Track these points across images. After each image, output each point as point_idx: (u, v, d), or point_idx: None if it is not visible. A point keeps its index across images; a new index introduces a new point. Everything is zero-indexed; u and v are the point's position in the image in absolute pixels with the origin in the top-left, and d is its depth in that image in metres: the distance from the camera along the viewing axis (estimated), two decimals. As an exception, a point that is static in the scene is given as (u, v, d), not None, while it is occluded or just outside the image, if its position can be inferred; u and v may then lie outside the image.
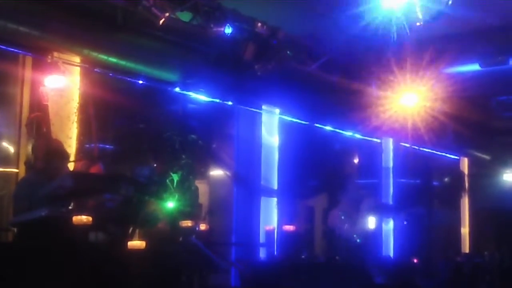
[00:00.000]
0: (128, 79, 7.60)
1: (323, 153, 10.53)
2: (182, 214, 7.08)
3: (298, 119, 9.94)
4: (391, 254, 11.26)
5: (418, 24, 6.26)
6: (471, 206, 13.51)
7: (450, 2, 6.15)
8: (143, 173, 7.20)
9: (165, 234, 6.92)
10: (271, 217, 9.24)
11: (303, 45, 8.96)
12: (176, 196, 7.21)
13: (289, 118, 9.79)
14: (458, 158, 13.62)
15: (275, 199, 9.32)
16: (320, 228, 11.07)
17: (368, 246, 9.73)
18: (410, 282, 9.01)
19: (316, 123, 10.30)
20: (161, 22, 7.01)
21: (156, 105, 8.11)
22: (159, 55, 7.69)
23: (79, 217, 5.60)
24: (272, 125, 9.45)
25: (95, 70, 7.25)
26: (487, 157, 13.68)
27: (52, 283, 5.28)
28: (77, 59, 7.08)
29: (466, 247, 13.42)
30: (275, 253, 8.96)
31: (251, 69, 8.26)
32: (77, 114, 7.01)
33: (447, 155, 13.30)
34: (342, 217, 9.22)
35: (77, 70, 7.12)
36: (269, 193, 9.29)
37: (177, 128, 7.78)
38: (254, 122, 9.24)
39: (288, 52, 8.68)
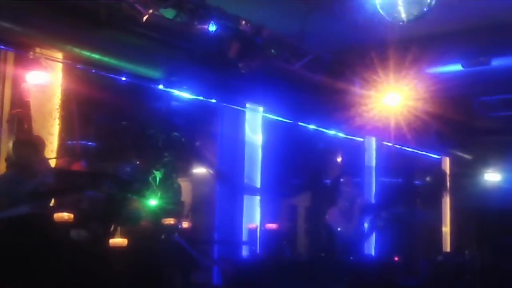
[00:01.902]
0: (111, 75, 7.55)
1: (306, 151, 10.55)
2: (165, 212, 7.07)
3: (281, 117, 9.95)
4: (373, 252, 11.31)
5: (401, 24, 6.28)
6: (452, 206, 13.60)
7: (433, 3, 6.18)
8: (126, 170, 7.19)
9: (147, 232, 6.91)
10: (254, 215, 9.24)
11: (288, 43, 8.98)
12: (159, 194, 7.21)
13: (273, 117, 9.80)
14: (440, 157, 13.70)
15: (258, 197, 9.32)
16: (303, 226, 11.10)
17: (349, 244, 9.77)
18: (391, 281, 9.06)
19: (300, 122, 10.32)
20: (144, 19, 6.98)
21: (139, 102, 8.07)
22: (143, 52, 7.66)
23: (60, 214, 5.57)
24: (255, 123, 9.45)
25: (78, 66, 7.19)
26: (468, 156, 13.78)
27: (33, 281, 5.24)
28: (59, 55, 7.02)
29: (447, 246, 13.52)
30: (258, 251, 8.97)
31: (235, 67, 8.25)
32: (59, 110, 6.96)
33: (429, 154, 13.39)
34: (336, 217, 9.25)
35: (59, 66, 7.07)
36: (252, 191, 9.29)
37: (160, 125, 7.76)
38: (238, 120, 9.23)
39: (272, 50, 8.69)
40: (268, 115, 9.67)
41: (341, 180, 9.95)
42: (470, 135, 13.11)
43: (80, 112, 7.34)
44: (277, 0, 7.67)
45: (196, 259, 7.20)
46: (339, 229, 9.18)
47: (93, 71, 7.37)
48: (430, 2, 6.15)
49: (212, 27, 7.60)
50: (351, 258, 8.94)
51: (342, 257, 8.92)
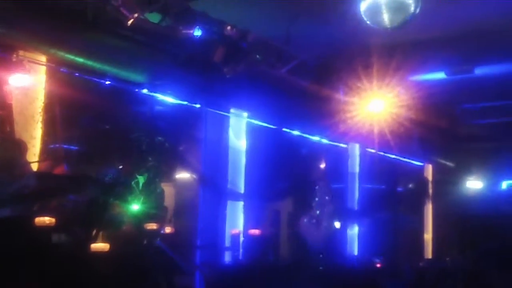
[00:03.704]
0: (95, 79, 7.51)
1: (290, 157, 10.56)
2: (147, 216, 7.04)
3: (266, 123, 9.95)
4: (356, 258, 11.35)
5: (385, 31, 6.32)
6: (434, 212, 13.69)
7: (417, 11, 6.23)
8: (109, 174, 7.14)
9: (129, 237, 6.86)
10: (237, 221, 9.23)
11: (273, 48, 8.99)
12: (142, 198, 7.17)
13: (257, 122, 9.80)
14: (422, 164, 13.79)
15: (241, 203, 9.31)
16: (286, 231, 11.10)
17: (332, 250, 9.81)
18: (374, 286, 9.09)
19: (284, 127, 10.34)
20: (129, 22, 6.95)
21: (123, 106, 8.04)
22: (127, 55, 7.62)
23: (42, 218, 5.52)
24: (240, 129, 9.44)
25: (62, 69, 7.15)
26: (451, 164, 13.89)
27: (14, 285, 5.19)
28: (43, 58, 6.97)
29: (429, 253, 13.59)
30: (240, 257, 8.95)
31: (220, 71, 8.24)
32: (42, 113, 6.91)
33: (412, 161, 13.47)
34: (312, 222, 9.28)
35: (42, 69, 7.02)
36: (236, 196, 9.28)
37: (144, 129, 7.73)
38: (222, 125, 9.22)
39: (257, 55, 8.70)
40: (252, 120, 9.67)
41: (316, 187, 10.02)
42: (452, 142, 13.21)
43: (63, 116, 7.28)
44: (263, 5, 7.67)
45: (178, 264, 7.18)
46: (308, 237, 9.23)
47: (77, 74, 7.32)
48: (414, 10, 6.21)
49: (197, 32, 7.59)
50: (321, 268, 8.98)
51: (323, 263, 8.95)
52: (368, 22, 6.41)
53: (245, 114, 9.53)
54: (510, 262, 10.84)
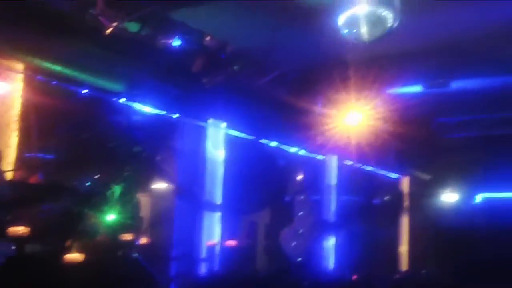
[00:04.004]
0: (73, 87, 7.46)
1: (267, 168, 10.57)
2: (123, 227, 6.99)
3: (244, 133, 9.96)
4: (332, 270, 11.36)
5: (363, 44, 6.37)
6: (410, 225, 13.77)
7: (395, 24, 6.28)
8: (84, 184, 7.08)
9: (104, 247, 6.80)
10: (213, 232, 9.18)
11: (252, 60, 9.01)
12: (117, 208, 7.12)
13: (235, 133, 9.79)
14: (399, 177, 13.89)
15: (218, 214, 9.28)
16: (262, 243, 11.08)
17: (308, 261, 9.83)
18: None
19: (262, 139, 10.35)
20: (108, 31, 6.92)
21: (100, 115, 7.98)
22: (105, 64, 7.59)
23: (15, 228, 5.45)
24: (217, 139, 9.42)
25: (39, 77, 7.08)
26: (427, 176, 14.00)
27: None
28: (20, 66, 6.91)
29: (404, 265, 13.65)
30: (217, 268, 8.91)
31: (199, 82, 8.24)
32: (17, 122, 6.84)
33: (389, 173, 13.56)
34: (293, 235, 9.30)
35: (19, 77, 6.95)
36: (213, 207, 9.24)
37: (121, 139, 7.69)
38: (200, 135, 9.20)
39: (236, 66, 8.71)
40: (230, 131, 9.66)
41: (297, 199, 10.05)
42: (428, 155, 13.32)
43: (39, 124, 7.21)
44: (242, 17, 7.69)
45: (153, 276, 7.12)
46: (289, 249, 9.24)
47: (54, 82, 7.26)
48: (392, 24, 6.26)
49: (176, 42, 7.58)
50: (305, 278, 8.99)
51: (302, 276, 8.95)
52: (346, 35, 6.45)
53: (223, 124, 9.52)
54: (484, 274, 10.95)
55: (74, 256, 6.14)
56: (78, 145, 8.07)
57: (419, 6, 6.98)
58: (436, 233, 13.17)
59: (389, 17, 6.25)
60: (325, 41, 7.56)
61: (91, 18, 6.82)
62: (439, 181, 13.88)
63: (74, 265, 6.05)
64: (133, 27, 7.48)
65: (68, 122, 7.80)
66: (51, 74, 7.14)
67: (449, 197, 14.02)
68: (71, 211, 6.27)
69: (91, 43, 7.26)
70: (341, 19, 6.40)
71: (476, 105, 10.92)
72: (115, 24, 6.95)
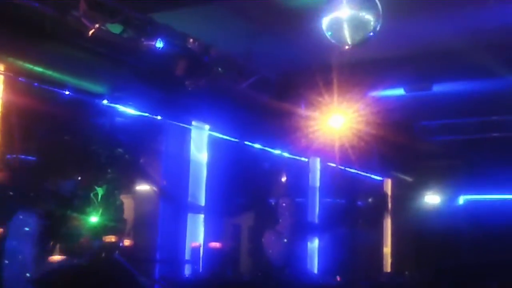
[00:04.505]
0: (55, 89, 7.41)
1: (251, 171, 10.58)
2: (106, 229, 6.97)
3: (227, 136, 9.96)
4: (316, 272, 11.40)
5: (346, 48, 6.41)
6: (393, 227, 13.85)
7: (377, 28, 6.33)
8: (67, 186, 7.05)
9: (87, 250, 6.78)
10: (197, 234, 9.18)
11: (235, 63, 9.02)
12: (100, 210, 7.10)
13: (219, 135, 9.80)
14: (382, 179, 13.96)
15: (202, 216, 9.27)
16: (246, 246, 11.09)
17: (292, 264, 9.84)
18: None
19: (246, 141, 10.36)
20: (90, 33, 6.90)
21: (82, 117, 7.95)
22: (88, 66, 7.55)
23: (-4, 230, 5.42)
24: (201, 141, 9.42)
25: (20, 79, 7.04)
26: (409, 179, 14.09)
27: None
28: (0, 67, 6.86)
29: (388, 267, 13.73)
30: (200, 270, 8.91)
31: (182, 84, 8.23)
32: (-2, 124, 6.79)
33: (372, 176, 13.62)
34: (276, 237, 9.31)
35: (0, 78, 6.90)
36: (196, 209, 9.24)
37: (104, 141, 7.66)
38: (183, 138, 9.19)
39: (219, 69, 8.72)
40: (214, 133, 9.66)
41: (281, 201, 10.06)
42: (411, 158, 13.42)
43: (20, 126, 7.15)
44: (225, 20, 7.71)
45: (136, 278, 7.09)
46: (273, 251, 9.25)
47: (36, 84, 7.21)
48: (375, 27, 6.31)
49: (159, 44, 7.56)
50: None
51: (280, 278, 8.97)
52: (329, 39, 6.49)
53: (207, 127, 9.52)
54: (466, 276, 11.03)
55: (57, 259, 6.11)
56: (60, 147, 8.03)
57: (401, 10, 7.04)
58: (419, 235, 13.26)
59: (371, 21, 6.30)
60: (308, 45, 7.61)
61: (74, 20, 6.80)
62: (422, 184, 13.98)
63: (57, 268, 6.03)
64: (115, 29, 7.46)
65: (50, 124, 7.76)
66: (32, 76, 7.08)
67: (431, 199, 14.13)
68: (53, 213, 6.24)
69: (73, 45, 7.21)
70: (325, 23, 6.44)
71: (458, 109, 11.03)
72: (97, 26, 6.93)
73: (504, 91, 9.83)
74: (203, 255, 9.03)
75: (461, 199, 14.16)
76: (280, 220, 10.21)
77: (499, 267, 10.89)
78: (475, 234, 12.88)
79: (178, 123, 9.08)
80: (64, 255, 6.30)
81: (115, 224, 7.35)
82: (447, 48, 8.29)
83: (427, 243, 13.09)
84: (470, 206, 13.97)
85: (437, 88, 9.66)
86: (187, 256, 8.95)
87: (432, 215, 13.73)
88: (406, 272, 12.55)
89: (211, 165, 9.51)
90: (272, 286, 9.02)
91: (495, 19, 7.61)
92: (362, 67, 8.51)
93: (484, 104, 10.62)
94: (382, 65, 8.69)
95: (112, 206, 7.44)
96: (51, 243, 6.43)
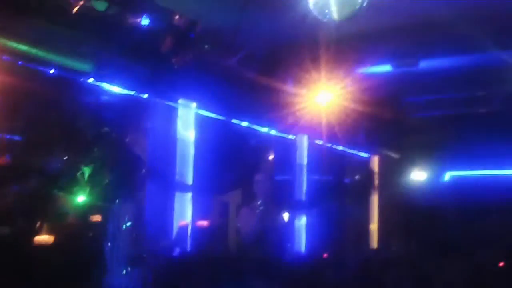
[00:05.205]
0: (40, 67, 7.33)
1: (238, 149, 10.57)
2: (93, 208, 6.95)
3: (214, 114, 9.92)
4: (303, 248, 11.46)
5: (333, 23, 6.38)
6: (380, 203, 13.93)
7: (364, 3, 6.30)
8: (53, 165, 7.01)
9: (74, 229, 6.76)
10: (185, 213, 9.17)
11: (222, 39, 8.95)
12: (87, 190, 7.07)
13: (206, 113, 9.76)
14: (369, 156, 14.01)
15: (189, 194, 9.26)
16: (234, 223, 11.11)
17: (280, 241, 9.88)
18: (321, 276, 9.21)
19: (233, 119, 10.33)
20: (74, 10, 6.81)
21: (68, 95, 7.87)
22: (73, 44, 7.46)
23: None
24: (188, 119, 9.38)
25: (4, 57, 6.94)
26: (396, 155, 14.15)
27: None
28: (-17, 45, 6.76)
29: (375, 243, 13.84)
30: (188, 248, 8.92)
31: (168, 61, 8.16)
32: (-18, 103, 6.72)
33: (359, 153, 13.67)
34: (255, 213, 9.32)
35: (-17, 57, 6.81)
36: (184, 188, 9.22)
37: (90, 120, 7.60)
38: (170, 115, 9.14)
39: (206, 45, 8.65)
40: (201, 111, 9.62)
41: (257, 178, 10.07)
42: (398, 134, 13.46)
43: (5, 105, 7.08)
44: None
45: (124, 256, 7.10)
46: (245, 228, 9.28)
47: (20, 62, 7.12)
48: (362, 2, 6.27)
49: (144, 21, 7.49)
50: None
51: (273, 255, 9.01)
52: (316, 14, 6.44)
53: (194, 104, 9.47)
54: (451, 251, 11.16)
55: (44, 238, 6.09)
56: (46, 126, 7.96)
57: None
58: (406, 211, 13.36)
59: (358, -4, 6.26)
60: (294, 21, 7.55)
61: (58, -3, 6.71)
62: (409, 160, 14.05)
63: (44, 247, 6.00)
64: (100, 5, 7.35)
65: (35, 103, 7.68)
66: (16, 54, 6.99)
67: (418, 175, 14.21)
68: (40, 193, 6.20)
69: (57, 22, 7.12)
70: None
71: (444, 84, 11.04)
72: (81, 2, 6.83)
73: (489, 66, 9.84)
74: (191, 233, 9.04)
75: (447, 175, 14.26)
76: (258, 196, 10.25)
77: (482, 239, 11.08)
78: (460, 210, 13.00)
79: (164, 101, 9.03)
80: (51, 235, 6.26)
81: (103, 204, 7.32)
82: (433, 23, 8.27)
83: (413, 219, 13.19)
84: (456, 182, 14.09)
85: (424, 64, 9.66)
86: (174, 234, 8.96)
87: (419, 191, 13.83)
88: (393, 248, 12.66)
89: (198, 143, 9.47)
90: (259, 263, 9.05)
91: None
92: (349, 43, 8.49)
93: (470, 79, 10.64)
94: (369, 41, 8.66)
95: (99, 185, 7.41)
96: (38, 222, 6.38)
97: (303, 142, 11.88)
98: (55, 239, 6.24)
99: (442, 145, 13.43)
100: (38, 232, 6.25)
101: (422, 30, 8.43)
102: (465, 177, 14.12)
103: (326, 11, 6.36)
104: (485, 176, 13.75)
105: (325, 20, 6.46)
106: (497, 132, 12.03)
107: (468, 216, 12.73)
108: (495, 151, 12.52)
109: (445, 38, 8.76)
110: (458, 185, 13.93)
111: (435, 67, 10.07)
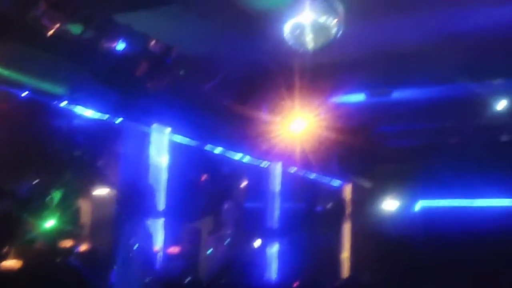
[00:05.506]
0: (12, 90, 7.26)
1: (212, 175, 10.54)
2: (62, 233, 6.84)
3: (188, 139, 9.90)
4: (274, 276, 11.40)
5: (308, 52, 6.45)
6: (352, 232, 13.95)
7: (339, 33, 6.39)
8: (23, 188, 6.91)
9: (42, 254, 6.64)
10: (156, 239, 9.07)
11: (197, 65, 8.98)
12: (57, 214, 6.97)
13: (180, 138, 9.73)
14: (341, 184, 14.06)
15: (161, 220, 9.18)
16: (205, 251, 11.03)
17: (250, 269, 9.82)
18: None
19: (207, 145, 10.31)
20: (50, 33, 6.77)
21: (40, 118, 7.79)
22: (47, 67, 7.42)
23: None
24: (161, 145, 9.33)
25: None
26: (368, 184, 14.22)
27: None
28: (-44, 66, 6.69)
29: (346, 271, 13.82)
30: (159, 275, 8.81)
31: (143, 86, 8.15)
32: (-47, 124, 6.61)
33: (332, 181, 13.71)
34: (223, 241, 9.29)
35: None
36: (156, 214, 9.14)
37: (62, 143, 7.53)
38: (143, 140, 9.08)
39: (181, 71, 8.66)
40: (174, 136, 9.58)
41: (225, 205, 10.06)
42: (370, 163, 13.55)
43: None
44: (188, 21, 7.67)
45: (93, 284, 6.98)
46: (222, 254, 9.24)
47: (-7, 84, 7.05)
48: (336, 32, 6.36)
49: (120, 45, 7.48)
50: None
51: (242, 283, 8.95)
52: (291, 43, 6.51)
53: (168, 130, 9.43)
54: (421, 281, 11.22)
55: (11, 263, 5.97)
56: (17, 149, 7.86)
57: (362, 16, 7.12)
58: (377, 240, 13.39)
59: (333, 25, 6.35)
60: (270, 48, 7.63)
61: (33, 19, 6.66)
62: (381, 189, 14.13)
63: (11, 272, 5.88)
64: (76, 29, 7.34)
65: (6, 125, 7.59)
66: (-11, 76, 6.93)
67: (389, 204, 14.28)
68: (8, 216, 6.10)
69: (32, 45, 7.08)
70: (287, 27, 6.47)
71: (417, 114, 11.18)
72: (57, 25, 6.81)
73: (460, 97, 10.01)
74: (162, 259, 8.94)
75: (418, 205, 14.35)
76: (226, 225, 10.22)
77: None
78: (430, 239, 13.09)
79: (138, 126, 8.98)
80: (18, 259, 6.14)
81: (72, 228, 7.22)
82: (406, 54, 8.43)
83: (384, 248, 13.22)
84: (426, 212, 14.18)
85: (397, 94, 9.80)
86: (145, 261, 8.84)
87: (390, 220, 13.88)
88: (363, 277, 12.66)
89: (171, 169, 9.42)
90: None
91: (453, 25, 7.76)
92: (323, 72, 8.57)
93: (442, 110, 10.80)
94: (343, 70, 8.77)
95: (69, 210, 7.33)
96: (6, 247, 6.26)
97: (277, 170, 11.89)
98: (23, 263, 6.11)
99: (414, 174, 13.55)
100: (5, 257, 6.12)
101: (396, 60, 8.57)
102: (435, 208, 14.22)
103: (301, 40, 6.44)
104: (455, 207, 13.87)
105: (300, 49, 6.53)
106: (468, 162, 12.19)
107: (436, 245, 12.82)
108: (466, 181, 12.67)
109: (417, 69, 8.90)
110: (429, 215, 14.01)
111: (407, 97, 10.21)
